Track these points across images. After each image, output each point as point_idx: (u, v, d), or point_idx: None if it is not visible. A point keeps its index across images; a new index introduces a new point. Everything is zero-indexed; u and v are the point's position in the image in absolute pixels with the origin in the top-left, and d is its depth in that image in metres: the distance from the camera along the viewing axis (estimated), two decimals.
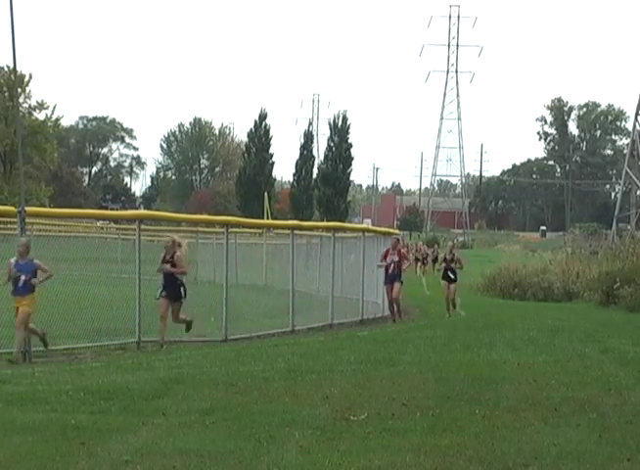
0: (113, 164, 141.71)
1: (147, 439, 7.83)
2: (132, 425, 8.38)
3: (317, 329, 21.25)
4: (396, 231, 34.42)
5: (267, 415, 8.83)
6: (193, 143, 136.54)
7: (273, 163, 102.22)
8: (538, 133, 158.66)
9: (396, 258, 23.30)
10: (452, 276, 25.44)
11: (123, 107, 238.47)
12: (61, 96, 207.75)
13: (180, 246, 17.06)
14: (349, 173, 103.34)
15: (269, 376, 11.55)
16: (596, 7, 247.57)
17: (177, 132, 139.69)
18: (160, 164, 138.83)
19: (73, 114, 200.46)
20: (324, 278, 23.58)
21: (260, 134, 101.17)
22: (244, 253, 27.53)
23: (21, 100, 78.73)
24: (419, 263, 49.59)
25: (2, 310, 15.07)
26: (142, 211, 36.07)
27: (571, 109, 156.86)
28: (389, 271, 23.29)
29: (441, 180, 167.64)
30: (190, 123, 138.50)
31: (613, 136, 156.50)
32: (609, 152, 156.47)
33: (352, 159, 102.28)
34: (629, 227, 78.22)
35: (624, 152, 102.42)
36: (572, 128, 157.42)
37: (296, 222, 24.77)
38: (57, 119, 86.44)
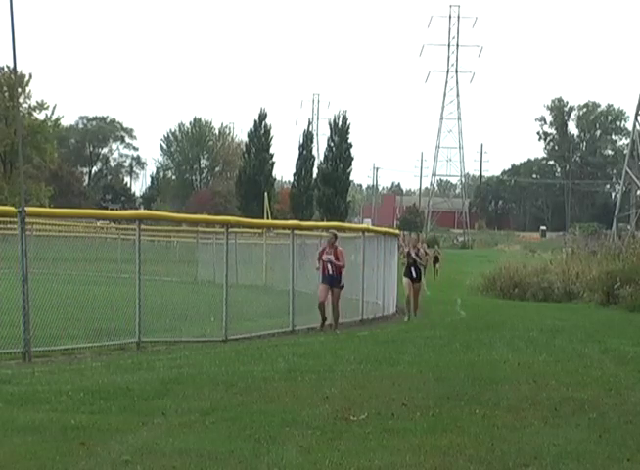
0: (113, 164, 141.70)
1: (147, 439, 7.83)
2: (132, 425, 8.38)
3: (317, 329, 21.23)
4: (396, 231, 34.38)
5: (267, 415, 8.83)
6: (193, 143, 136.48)
7: (273, 163, 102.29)
8: (538, 133, 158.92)
9: (332, 257, 20.54)
10: (415, 274, 23.70)
11: (123, 107, 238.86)
12: (61, 96, 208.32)
13: None
14: (349, 173, 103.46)
15: (269, 376, 11.54)
16: (596, 7, 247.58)
17: (177, 132, 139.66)
18: (159, 164, 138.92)
19: (73, 114, 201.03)
20: None
21: (260, 134, 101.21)
22: (244, 253, 27.50)
23: (21, 100, 78.81)
24: None
25: (3, 311, 15.04)
26: (142, 211, 36.04)
27: (570, 109, 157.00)
28: (327, 272, 20.53)
29: (441, 180, 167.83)
30: (190, 123, 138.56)
31: (613, 136, 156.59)
32: (609, 152, 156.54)
33: (352, 159, 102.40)
34: (629, 227, 78.15)
35: (624, 152, 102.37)
36: (572, 128, 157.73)
37: (296, 222, 24.72)
38: (57, 119, 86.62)
